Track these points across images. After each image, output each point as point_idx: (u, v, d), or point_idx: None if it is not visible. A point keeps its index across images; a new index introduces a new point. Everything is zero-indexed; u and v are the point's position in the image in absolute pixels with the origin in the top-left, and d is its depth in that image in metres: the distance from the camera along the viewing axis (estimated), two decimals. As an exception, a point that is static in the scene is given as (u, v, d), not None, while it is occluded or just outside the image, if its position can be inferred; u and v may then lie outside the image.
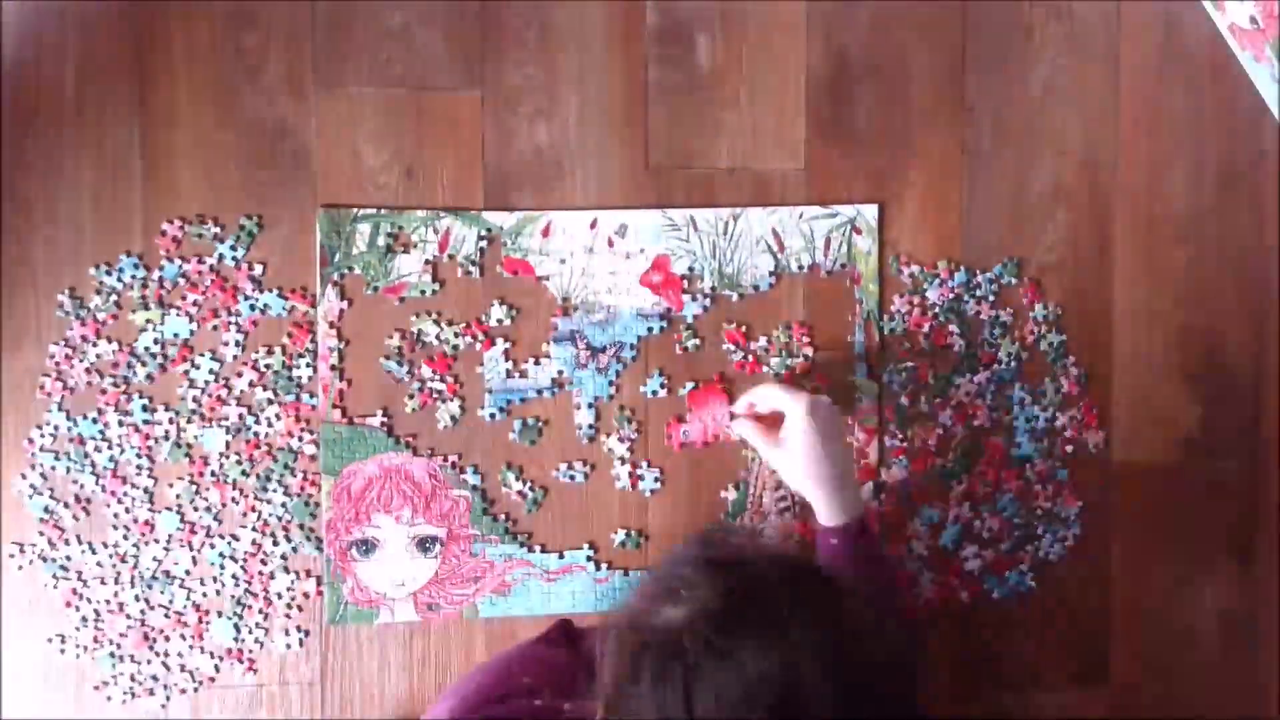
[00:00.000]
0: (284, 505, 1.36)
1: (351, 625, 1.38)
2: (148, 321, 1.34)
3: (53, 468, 1.33)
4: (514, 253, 1.38)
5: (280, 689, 1.38)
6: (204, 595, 1.36)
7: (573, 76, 1.39)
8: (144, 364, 1.34)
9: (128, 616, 1.35)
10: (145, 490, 1.35)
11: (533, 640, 1.26)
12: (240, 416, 1.35)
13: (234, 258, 1.34)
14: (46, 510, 1.33)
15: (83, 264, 1.33)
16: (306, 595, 1.37)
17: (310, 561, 1.37)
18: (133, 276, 1.34)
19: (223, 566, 1.36)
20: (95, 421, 1.33)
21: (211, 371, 1.35)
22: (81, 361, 1.33)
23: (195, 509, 1.35)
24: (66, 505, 1.34)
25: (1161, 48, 1.46)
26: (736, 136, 1.41)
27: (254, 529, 1.36)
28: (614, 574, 1.41)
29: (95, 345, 1.33)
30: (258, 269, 1.35)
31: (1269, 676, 1.49)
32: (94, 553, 1.34)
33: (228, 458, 1.35)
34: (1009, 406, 1.45)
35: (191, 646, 1.36)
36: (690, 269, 1.40)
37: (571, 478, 1.40)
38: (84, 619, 1.34)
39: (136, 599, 1.35)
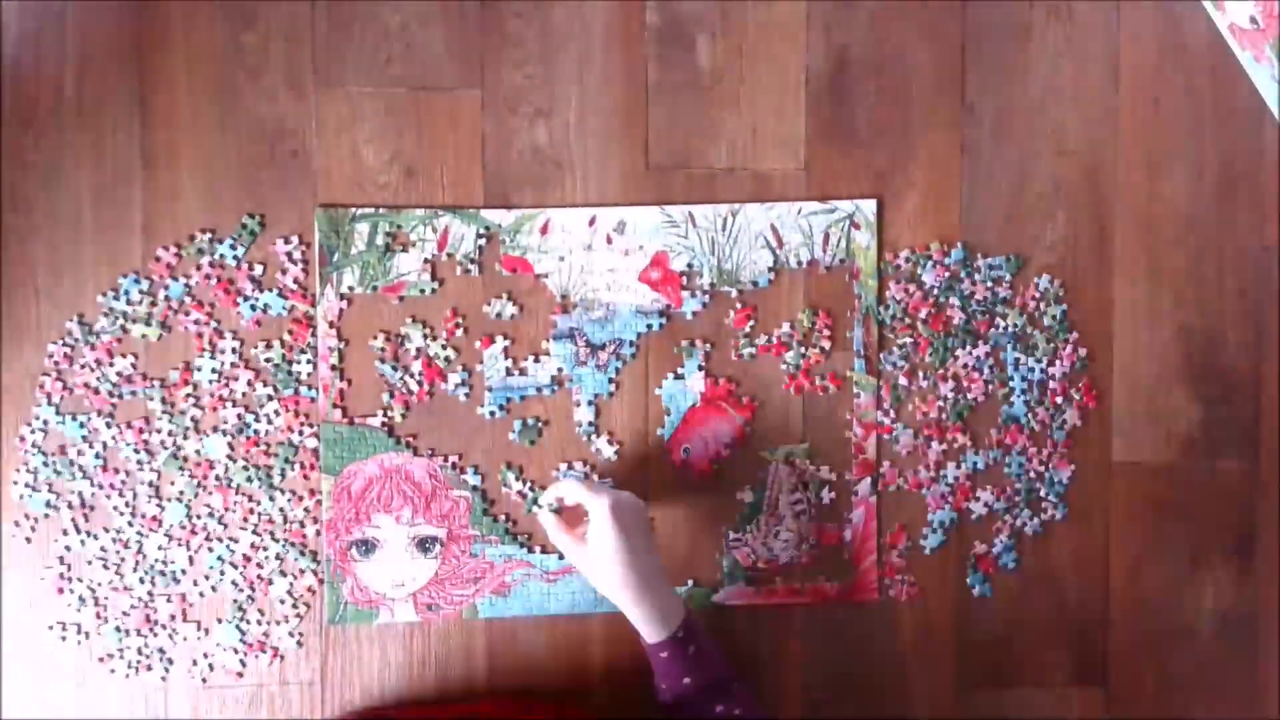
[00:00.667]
0: (283, 504, 1.36)
1: (351, 625, 1.38)
2: (143, 336, 1.34)
3: (57, 471, 1.34)
4: (512, 250, 1.38)
5: (280, 689, 1.38)
6: (200, 595, 1.36)
7: (573, 76, 1.39)
8: (143, 376, 1.35)
9: (133, 596, 1.36)
10: (150, 484, 1.35)
11: None
12: (239, 416, 1.35)
13: (234, 257, 1.34)
14: (48, 505, 1.34)
15: (82, 264, 1.33)
16: (311, 592, 1.37)
17: (309, 561, 1.37)
18: (140, 293, 1.34)
19: (222, 572, 1.36)
20: (94, 422, 1.34)
21: (214, 370, 1.35)
22: (84, 367, 1.34)
23: (196, 514, 1.36)
24: (70, 505, 1.34)
25: (1161, 48, 1.46)
26: (736, 136, 1.41)
27: (253, 531, 1.36)
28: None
29: (99, 366, 1.34)
30: (258, 269, 1.35)
31: (1269, 676, 1.49)
32: (95, 539, 1.35)
33: (234, 460, 1.35)
34: (1007, 376, 1.45)
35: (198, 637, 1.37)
36: (689, 265, 1.40)
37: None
38: (80, 599, 1.35)
39: (141, 581, 1.36)
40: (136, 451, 1.34)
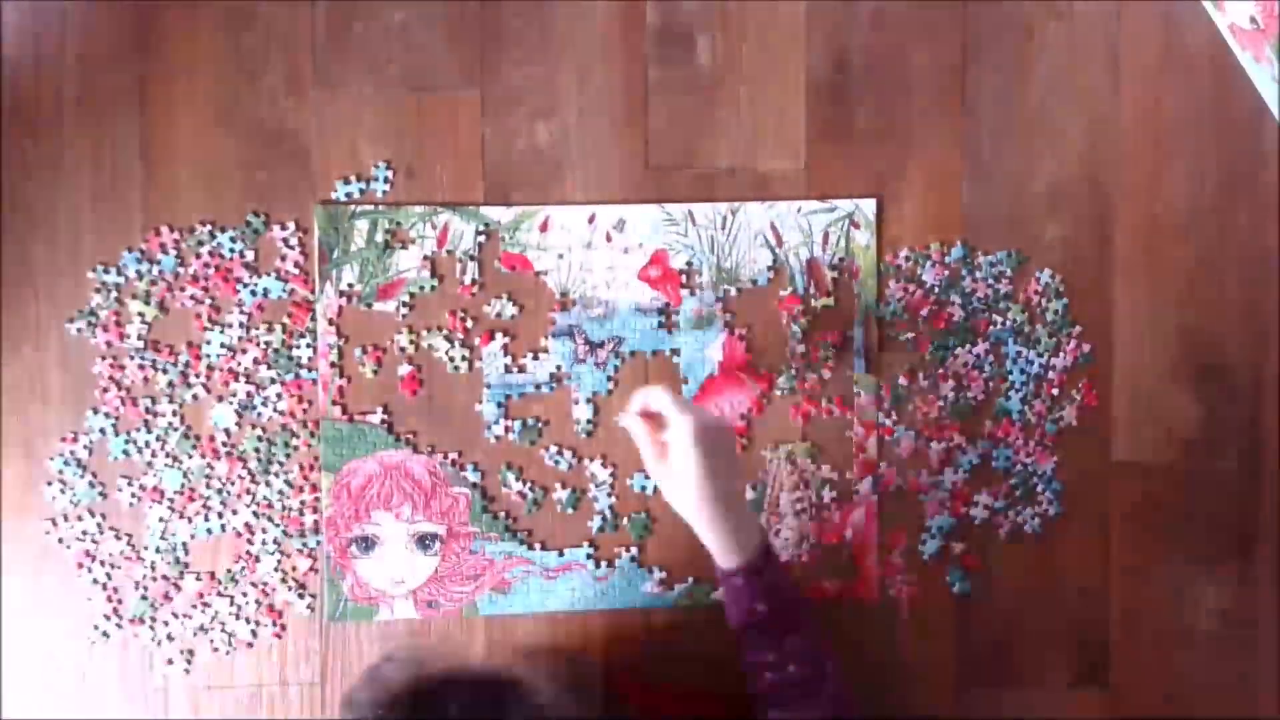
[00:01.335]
0: (283, 489, 1.37)
1: (351, 624, 1.38)
2: (139, 314, 1.35)
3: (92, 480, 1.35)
4: (512, 247, 1.38)
5: (280, 689, 1.38)
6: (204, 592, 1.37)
7: (573, 76, 1.40)
8: (146, 356, 1.35)
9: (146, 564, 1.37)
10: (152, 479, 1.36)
11: None
12: (248, 394, 1.36)
13: (232, 249, 1.35)
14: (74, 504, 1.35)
15: (82, 264, 1.33)
16: (308, 592, 1.37)
17: (309, 558, 1.37)
18: (136, 271, 1.34)
19: (223, 571, 1.37)
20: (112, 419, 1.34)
21: (223, 345, 1.36)
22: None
23: (197, 488, 1.36)
24: (92, 513, 1.35)
25: (1161, 48, 1.46)
26: (736, 136, 1.42)
27: (251, 526, 1.36)
28: (614, 572, 1.41)
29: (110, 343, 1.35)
30: (252, 255, 1.36)
31: (1269, 676, 1.49)
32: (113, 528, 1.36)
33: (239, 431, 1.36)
34: (1006, 371, 1.45)
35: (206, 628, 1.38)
36: (689, 264, 1.40)
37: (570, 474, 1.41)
38: (95, 580, 1.36)
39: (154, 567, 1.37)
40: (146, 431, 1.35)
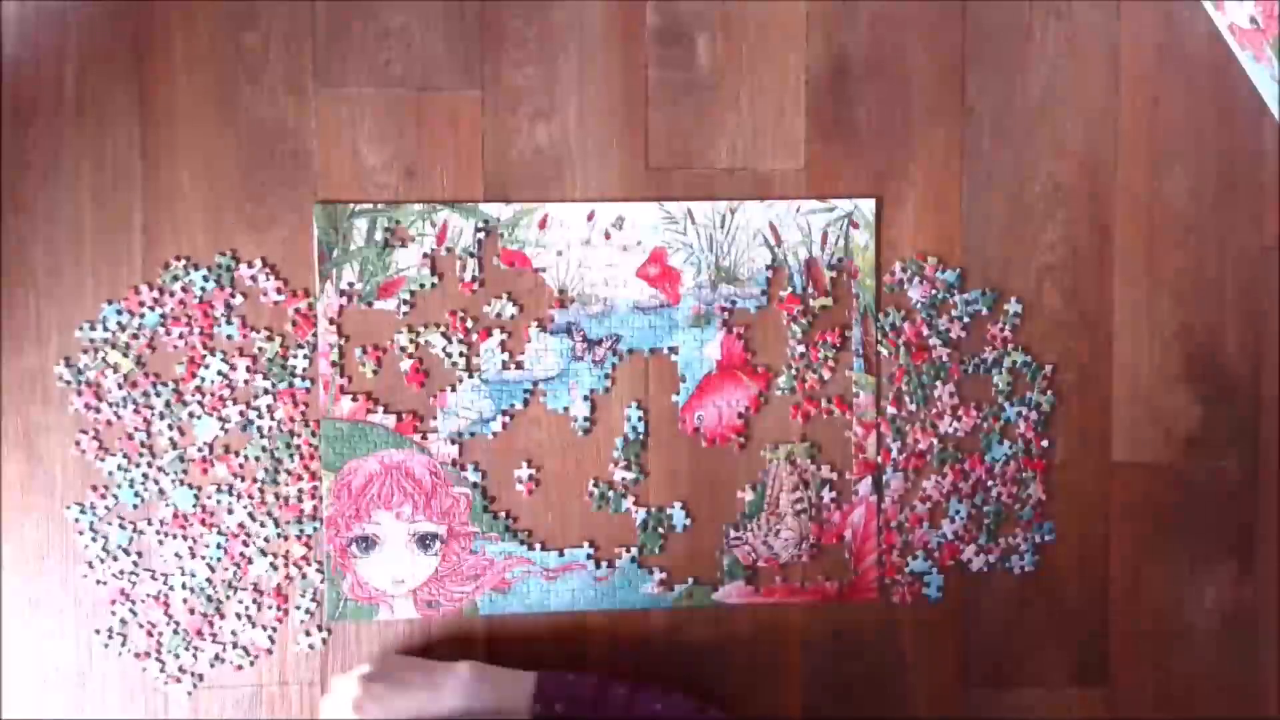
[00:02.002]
0: (282, 498, 1.37)
1: (351, 624, 1.38)
2: (115, 365, 1.35)
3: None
4: (511, 244, 1.38)
5: (280, 689, 1.38)
6: (198, 590, 1.37)
7: (573, 76, 1.40)
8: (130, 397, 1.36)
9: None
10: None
11: None
12: (241, 412, 1.36)
13: (203, 288, 1.35)
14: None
15: (82, 264, 1.33)
16: (308, 591, 1.37)
17: (308, 558, 1.37)
18: (118, 324, 1.35)
19: (214, 568, 1.37)
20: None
21: (219, 372, 1.36)
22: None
23: (199, 503, 1.36)
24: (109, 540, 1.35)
25: (1161, 48, 1.46)
26: (736, 136, 1.41)
27: (249, 527, 1.36)
28: (614, 572, 1.41)
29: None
30: (238, 299, 1.36)
31: (1269, 676, 1.49)
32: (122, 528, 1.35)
33: (234, 453, 1.36)
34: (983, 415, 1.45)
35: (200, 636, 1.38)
36: (687, 262, 1.40)
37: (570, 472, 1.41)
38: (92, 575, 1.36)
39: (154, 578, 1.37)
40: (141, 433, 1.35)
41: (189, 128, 1.35)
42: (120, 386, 1.34)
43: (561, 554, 1.40)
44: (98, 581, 1.35)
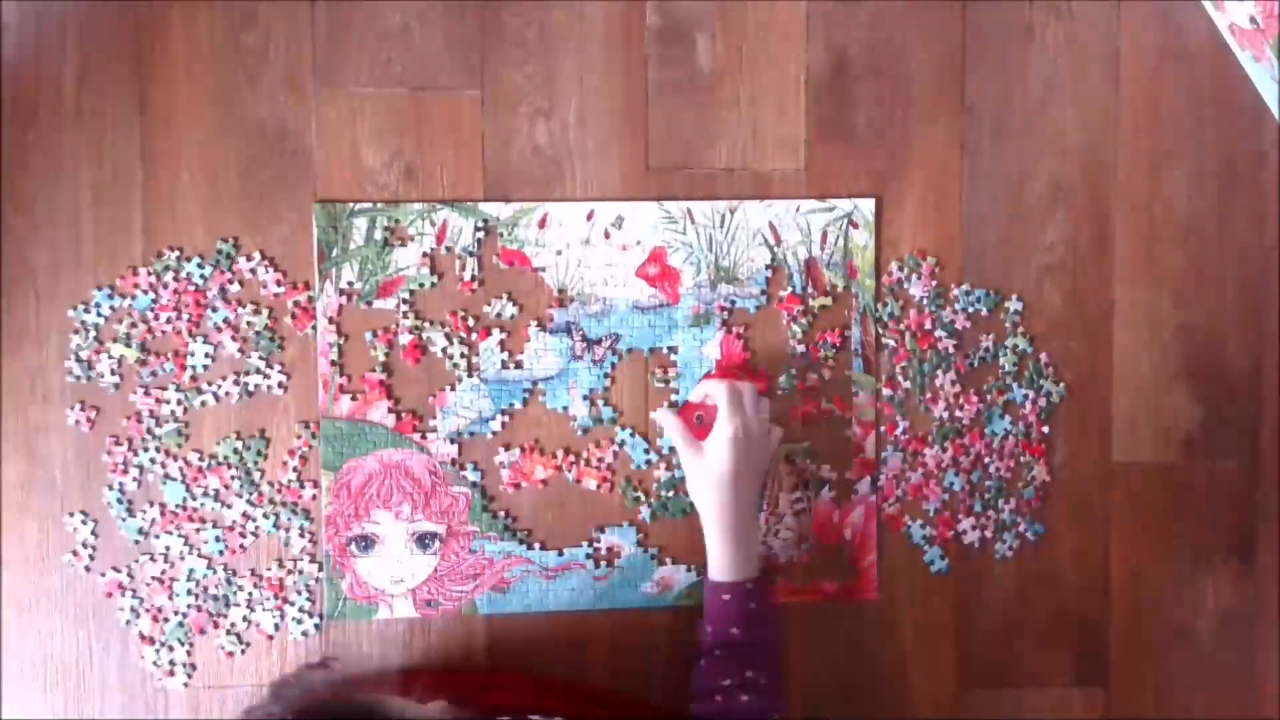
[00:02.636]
0: (282, 498, 1.37)
1: (350, 623, 1.38)
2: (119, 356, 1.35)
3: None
4: (510, 244, 1.38)
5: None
6: (201, 592, 1.37)
7: (573, 76, 1.40)
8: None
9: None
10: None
11: None
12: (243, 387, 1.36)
13: (203, 276, 1.36)
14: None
15: (82, 264, 1.33)
16: (307, 591, 1.37)
17: (308, 557, 1.37)
18: (112, 309, 1.35)
19: (218, 566, 1.37)
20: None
21: (207, 355, 1.36)
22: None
23: (194, 498, 1.36)
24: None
25: (1161, 48, 1.46)
26: (736, 136, 1.42)
27: (250, 530, 1.36)
28: (613, 572, 1.41)
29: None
30: (234, 287, 1.36)
31: (1269, 676, 1.49)
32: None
33: (230, 446, 1.36)
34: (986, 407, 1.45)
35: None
36: (686, 262, 1.41)
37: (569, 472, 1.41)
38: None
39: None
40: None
41: (189, 128, 1.35)
42: (113, 372, 1.34)
43: (561, 553, 1.40)
44: (100, 574, 1.35)
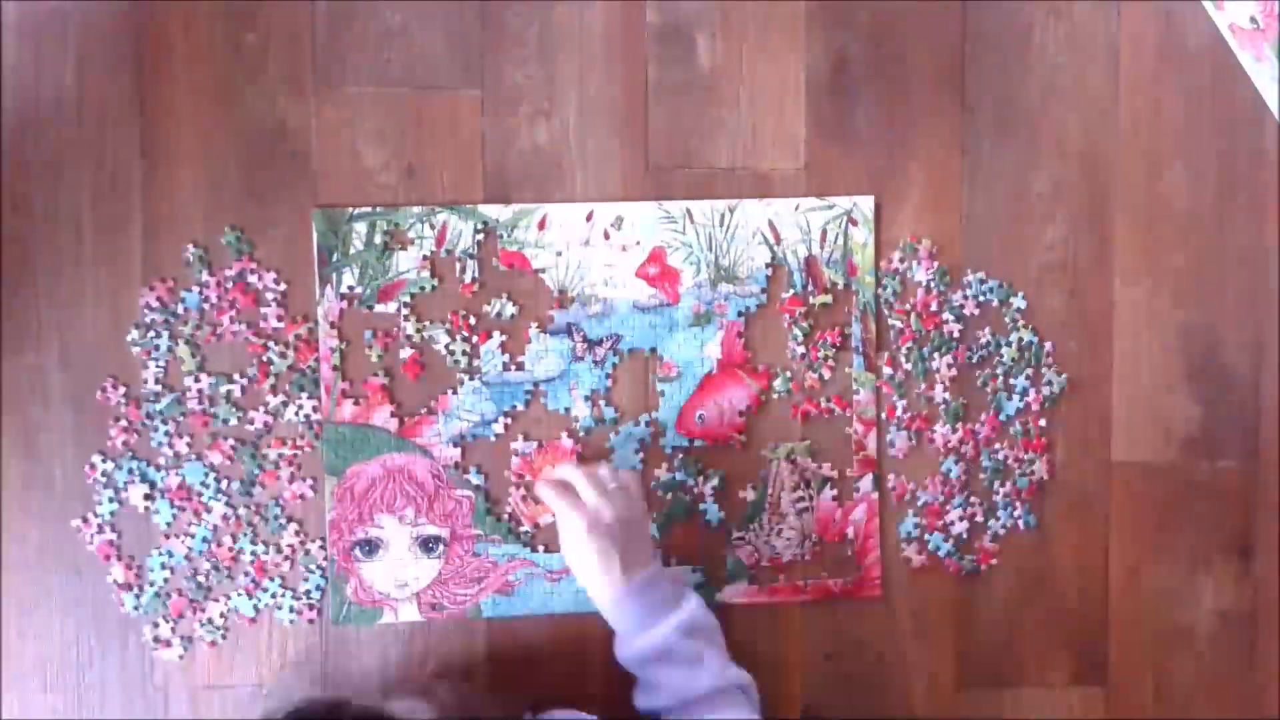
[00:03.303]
0: (286, 503, 1.37)
1: (354, 628, 1.38)
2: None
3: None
4: (510, 245, 1.38)
5: (280, 689, 1.38)
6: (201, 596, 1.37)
7: (573, 76, 1.39)
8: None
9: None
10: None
11: None
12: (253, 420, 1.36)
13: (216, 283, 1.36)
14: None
15: (82, 264, 1.33)
16: (309, 594, 1.37)
17: (312, 562, 1.37)
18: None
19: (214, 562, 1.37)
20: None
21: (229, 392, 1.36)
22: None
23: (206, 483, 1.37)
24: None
25: (1161, 48, 1.46)
26: (736, 136, 1.41)
27: (257, 537, 1.37)
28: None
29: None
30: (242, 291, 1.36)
31: (1269, 676, 1.49)
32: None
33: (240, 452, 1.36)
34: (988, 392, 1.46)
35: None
36: (687, 261, 1.41)
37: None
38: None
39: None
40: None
41: (189, 128, 1.35)
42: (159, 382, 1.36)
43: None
44: (107, 574, 1.35)
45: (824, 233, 1.42)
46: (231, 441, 1.35)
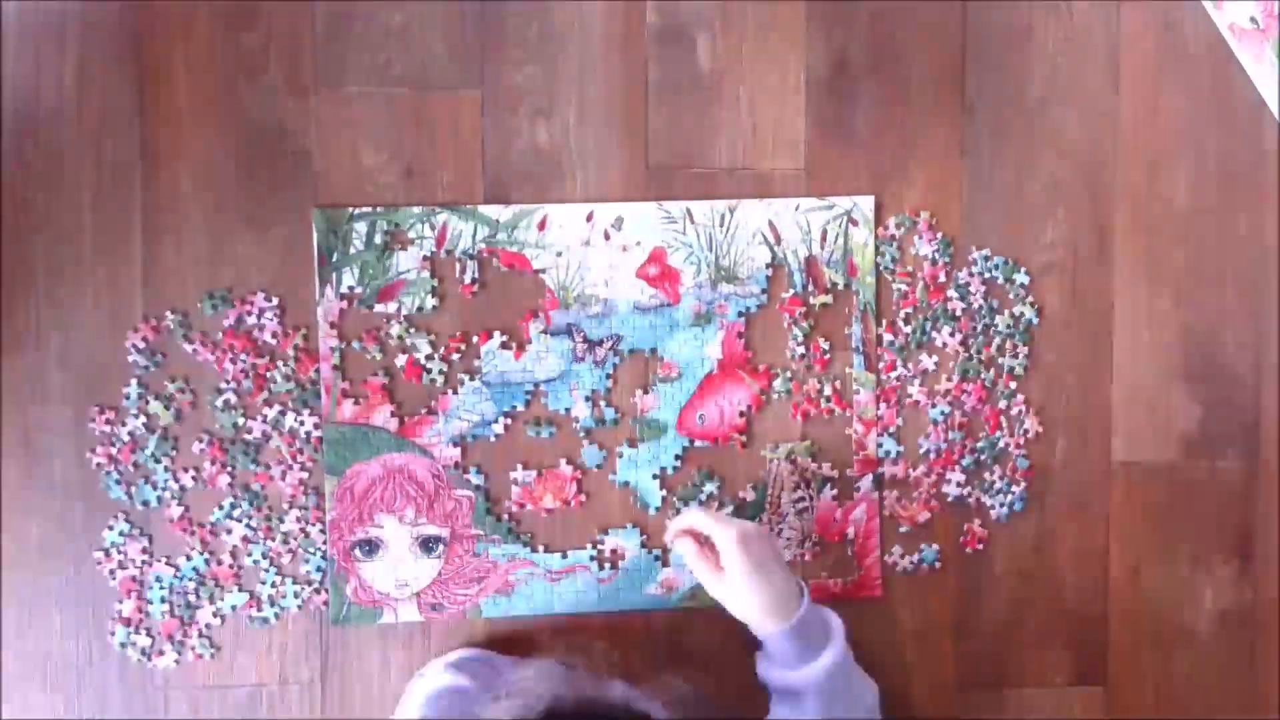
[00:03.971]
0: (285, 503, 1.37)
1: (354, 627, 1.38)
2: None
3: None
4: (510, 246, 1.38)
5: (280, 689, 1.38)
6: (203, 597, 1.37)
7: (573, 76, 1.39)
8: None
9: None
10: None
11: None
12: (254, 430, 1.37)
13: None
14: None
15: (82, 264, 1.33)
16: (309, 593, 1.37)
17: (311, 562, 1.37)
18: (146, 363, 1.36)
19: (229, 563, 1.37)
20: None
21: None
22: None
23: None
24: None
25: (1161, 48, 1.46)
26: (736, 136, 1.41)
27: (252, 534, 1.37)
28: (617, 574, 1.41)
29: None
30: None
31: (1269, 676, 1.49)
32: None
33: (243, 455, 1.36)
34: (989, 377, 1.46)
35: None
36: (687, 261, 1.41)
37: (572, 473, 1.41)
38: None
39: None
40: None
41: (189, 128, 1.35)
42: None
43: (564, 556, 1.40)
44: (110, 574, 1.36)
45: (824, 233, 1.42)
46: (230, 452, 1.36)
